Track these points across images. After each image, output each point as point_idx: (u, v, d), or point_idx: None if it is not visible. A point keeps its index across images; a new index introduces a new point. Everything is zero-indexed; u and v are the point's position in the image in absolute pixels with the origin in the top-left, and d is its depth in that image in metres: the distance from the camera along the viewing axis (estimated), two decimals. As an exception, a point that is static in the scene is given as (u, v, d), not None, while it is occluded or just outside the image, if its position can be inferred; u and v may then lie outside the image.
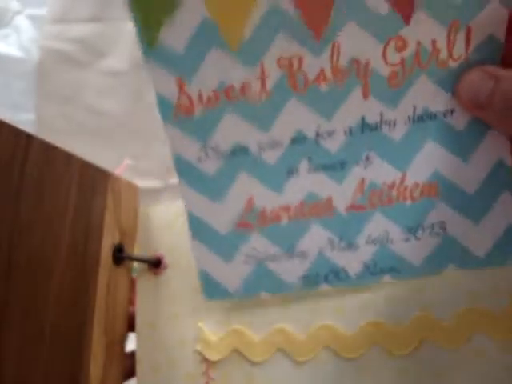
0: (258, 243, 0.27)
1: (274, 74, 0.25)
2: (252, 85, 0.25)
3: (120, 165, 0.36)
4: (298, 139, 0.26)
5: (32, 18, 0.66)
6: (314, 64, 0.24)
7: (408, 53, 0.23)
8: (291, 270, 0.27)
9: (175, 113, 0.26)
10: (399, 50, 0.23)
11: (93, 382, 0.29)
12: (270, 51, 0.24)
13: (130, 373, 0.32)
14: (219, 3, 0.24)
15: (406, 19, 0.23)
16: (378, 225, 0.26)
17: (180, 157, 0.27)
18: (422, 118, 0.24)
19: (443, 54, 0.23)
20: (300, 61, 0.24)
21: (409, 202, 0.25)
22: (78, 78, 0.64)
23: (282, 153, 0.26)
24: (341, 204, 0.26)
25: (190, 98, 0.25)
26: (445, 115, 0.24)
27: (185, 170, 0.27)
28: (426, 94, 0.24)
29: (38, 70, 0.65)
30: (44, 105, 0.65)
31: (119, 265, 0.31)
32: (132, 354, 0.32)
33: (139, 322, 0.31)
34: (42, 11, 0.66)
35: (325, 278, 0.27)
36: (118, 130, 0.63)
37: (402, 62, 0.24)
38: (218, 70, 0.25)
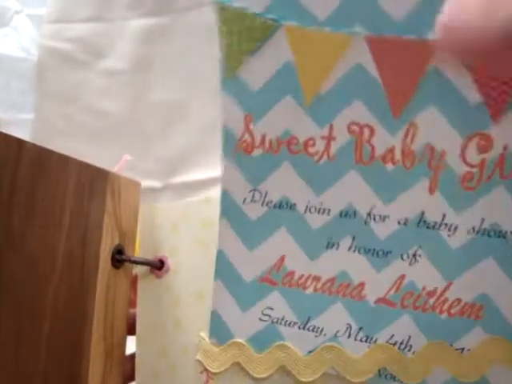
0: (276, 303, 0.26)
1: (341, 138, 0.23)
2: (316, 143, 0.23)
3: (119, 161, 0.36)
4: (348, 213, 0.24)
5: (32, 17, 0.66)
6: (385, 139, 0.22)
7: (491, 156, 0.21)
8: (301, 342, 0.26)
9: (236, 147, 0.25)
10: (482, 150, 0.21)
11: (92, 387, 0.29)
12: (342, 114, 0.23)
13: (130, 377, 0.32)
14: (304, 45, 0.22)
15: (495, 116, 0.20)
16: (404, 328, 0.23)
17: (227, 193, 0.26)
18: (488, 233, 0.22)
19: None
20: (371, 131, 0.22)
21: (444, 316, 0.23)
22: (78, 78, 0.64)
23: (327, 221, 0.24)
24: (372, 293, 0.24)
25: (252, 137, 0.24)
26: None
27: (228, 206, 0.26)
28: (501, 209, 0.21)
29: (38, 70, 0.65)
30: (44, 105, 0.65)
31: (119, 267, 0.31)
32: (132, 358, 0.31)
33: (140, 325, 0.31)
34: (41, 11, 0.65)
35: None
36: (118, 129, 0.63)
37: (482, 164, 0.21)
38: (286, 118, 0.24)
